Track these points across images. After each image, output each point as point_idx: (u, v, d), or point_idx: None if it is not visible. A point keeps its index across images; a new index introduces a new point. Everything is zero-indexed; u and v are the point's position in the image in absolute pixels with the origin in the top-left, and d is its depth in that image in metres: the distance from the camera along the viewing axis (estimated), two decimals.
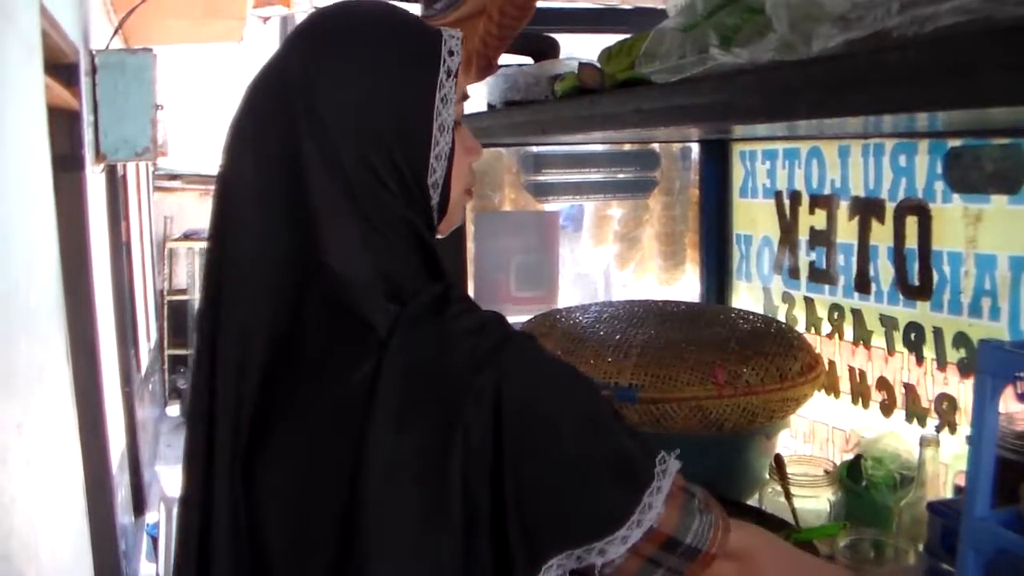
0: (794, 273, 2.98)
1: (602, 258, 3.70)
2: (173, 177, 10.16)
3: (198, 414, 1.32)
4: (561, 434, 1.25)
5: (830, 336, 2.82)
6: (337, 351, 1.24)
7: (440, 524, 1.19)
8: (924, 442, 2.06)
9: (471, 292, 3.26)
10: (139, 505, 4.28)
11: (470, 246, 3.29)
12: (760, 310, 3.09)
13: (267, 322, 1.26)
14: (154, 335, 6.91)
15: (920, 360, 2.49)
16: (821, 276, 2.85)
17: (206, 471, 1.30)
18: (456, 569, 1.20)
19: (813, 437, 2.94)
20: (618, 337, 2.34)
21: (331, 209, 1.23)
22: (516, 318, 2.64)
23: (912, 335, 2.51)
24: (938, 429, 2.41)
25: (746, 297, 3.25)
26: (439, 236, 1.37)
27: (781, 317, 3.00)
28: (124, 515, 3.69)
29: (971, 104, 1.05)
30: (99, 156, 4.46)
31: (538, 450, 1.23)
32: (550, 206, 3.57)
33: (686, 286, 3.58)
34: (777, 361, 2.26)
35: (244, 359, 1.27)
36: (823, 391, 2.80)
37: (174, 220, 10.38)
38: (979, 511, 1.52)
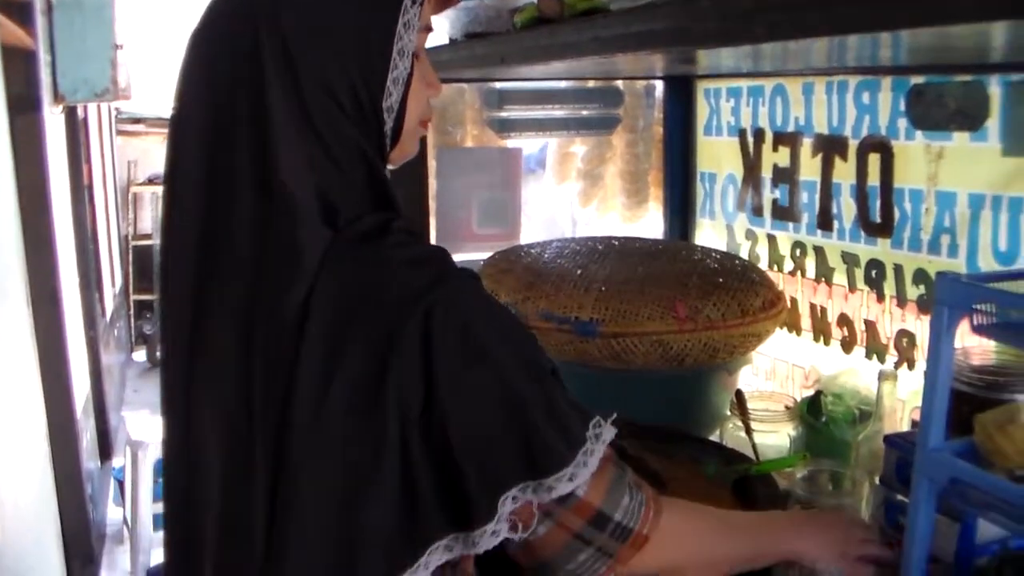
0: (757, 211, 2.98)
1: (565, 196, 3.68)
2: (136, 121, 9.99)
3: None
4: (500, 370, 1.20)
5: (792, 273, 2.82)
6: (273, 272, 1.20)
7: (372, 455, 1.15)
8: (882, 376, 2.07)
9: (432, 230, 3.25)
10: (105, 450, 4.24)
11: (432, 183, 3.26)
12: (723, 247, 3.08)
13: (205, 238, 1.24)
14: (119, 280, 6.84)
15: (880, 297, 2.50)
16: (784, 213, 2.85)
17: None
18: (392, 496, 1.17)
19: (774, 374, 2.95)
20: (579, 272, 2.33)
21: (284, 127, 1.19)
22: (478, 255, 2.63)
23: (873, 272, 2.51)
24: (897, 365, 2.42)
25: (710, 234, 3.24)
26: (392, 166, 1.34)
27: (744, 254, 2.99)
28: (90, 460, 3.66)
29: (931, 21, 1.03)
30: (57, 97, 4.37)
31: (477, 386, 1.19)
32: (513, 142, 3.54)
33: (649, 224, 3.56)
34: (739, 297, 2.25)
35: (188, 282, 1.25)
36: (784, 328, 2.80)
37: (138, 164, 10.22)
38: (933, 441, 1.53)
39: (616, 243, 2.61)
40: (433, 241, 3.08)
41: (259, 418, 1.19)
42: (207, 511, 1.26)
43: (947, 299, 1.48)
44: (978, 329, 1.47)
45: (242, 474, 1.21)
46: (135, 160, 10.35)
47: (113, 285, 6.15)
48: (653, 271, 2.33)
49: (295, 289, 1.17)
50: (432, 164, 3.28)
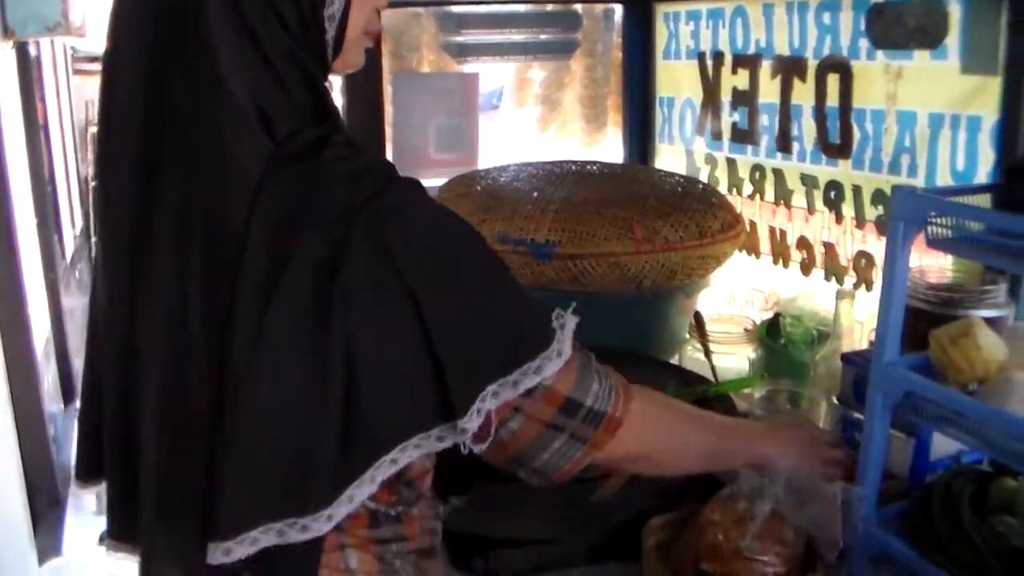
0: (716, 134, 2.96)
1: (524, 121, 3.65)
2: (93, 59, 9.81)
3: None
4: (457, 273, 1.18)
5: (751, 197, 2.81)
6: (214, 185, 1.16)
7: (318, 368, 1.12)
8: (839, 295, 2.07)
9: (389, 156, 3.20)
10: (68, 393, 4.19)
11: (388, 109, 3.21)
12: (683, 172, 3.06)
13: (147, 156, 1.20)
14: (79, 222, 6.73)
15: (839, 218, 2.49)
16: (743, 136, 2.83)
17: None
18: (340, 408, 1.13)
19: (734, 298, 2.95)
20: (536, 195, 2.30)
21: (223, 40, 1.15)
22: (436, 181, 2.60)
23: (832, 193, 2.50)
24: (856, 287, 2.42)
25: (669, 159, 3.22)
26: (335, 75, 1.30)
27: (703, 179, 2.98)
28: (52, 403, 3.62)
29: None
30: (7, 32, 4.27)
31: (438, 289, 1.16)
32: (470, 67, 3.49)
33: (609, 149, 3.54)
34: (696, 218, 2.24)
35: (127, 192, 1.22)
36: (744, 252, 2.80)
37: (95, 104, 10.05)
38: (888, 356, 1.53)
39: (574, 167, 2.58)
40: None
41: (201, 326, 1.16)
42: (146, 412, 1.23)
43: (903, 213, 1.47)
44: (933, 243, 1.47)
45: (184, 381, 1.18)
46: (92, 100, 10.17)
47: (73, 227, 6.05)
48: (611, 193, 2.30)
49: (235, 202, 1.13)
50: (388, 90, 3.24)
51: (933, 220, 1.44)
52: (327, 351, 1.12)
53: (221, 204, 1.15)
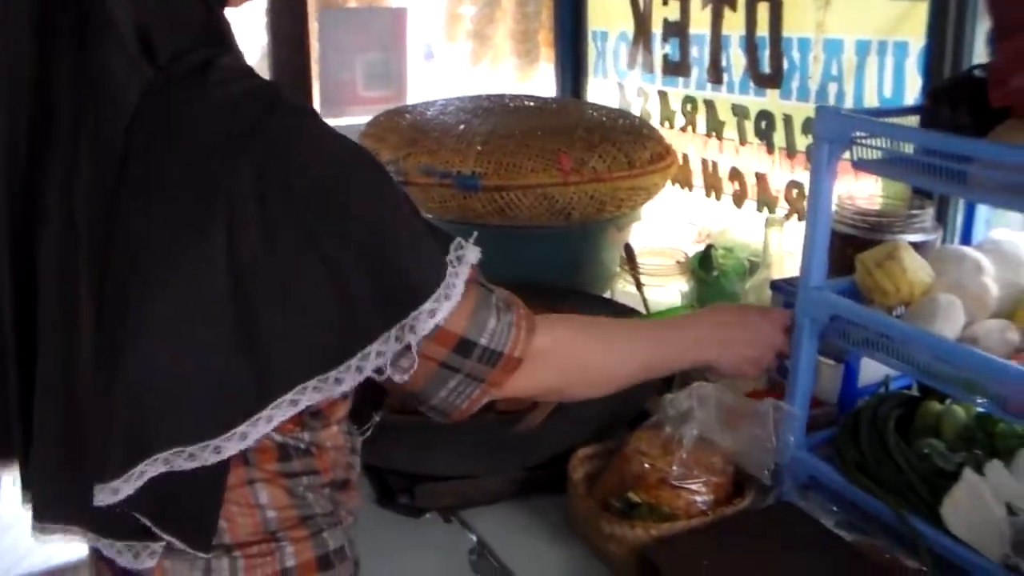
0: (648, 67, 2.92)
1: (455, 57, 3.59)
2: None
3: None
4: (347, 204, 1.10)
5: (684, 129, 2.78)
6: (93, 108, 1.10)
7: (199, 304, 1.06)
8: (768, 223, 2.05)
9: (316, 94, 3.12)
10: None
11: (314, 45, 3.13)
12: (615, 106, 3.02)
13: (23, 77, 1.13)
14: None
15: (771, 149, 2.48)
16: (675, 69, 2.80)
17: None
18: (231, 343, 1.07)
19: (667, 231, 2.92)
20: (463, 127, 2.26)
21: None
22: (365, 119, 2.54)
23: (763, 124, 2.49)
24: (787, 217, 2.40)
25: (602, 94, 3.18)
26: (233, 8, 1.24)
27: (636, 112, 2.94)
28: None
29: None
30: None
31: (326, 225, 1.08)
32: (398, 2, 3.42)
33: (541, 84, 3.49)
34: (625, 149, 2.21)
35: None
36: (676, 184, 2.78)
37: None
38: (814, 280, 1.51)
39: (503, 100, 2.54)
40: (317, 106, 2.98)
41: (88, 253, 1.10)
42: (44, 348, 1.16)
43: (827, 133, 1.45)
44: (859, 164, 1.45)
45: (76, 319, 1.13)
46: None
47: None
48: (538, 125, 2.26)
49: (113, 128, 1.08)
50: (314, 26, 3.15)
51: (858, 140, 1.42)
52: (211, 278, 1.05)
53: (101, 131, 1.08)
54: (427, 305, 1.12)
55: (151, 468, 1.08)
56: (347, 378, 1.10)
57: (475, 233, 1.21)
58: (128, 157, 1.06)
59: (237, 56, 1.18)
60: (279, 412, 1.09)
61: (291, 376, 1.09)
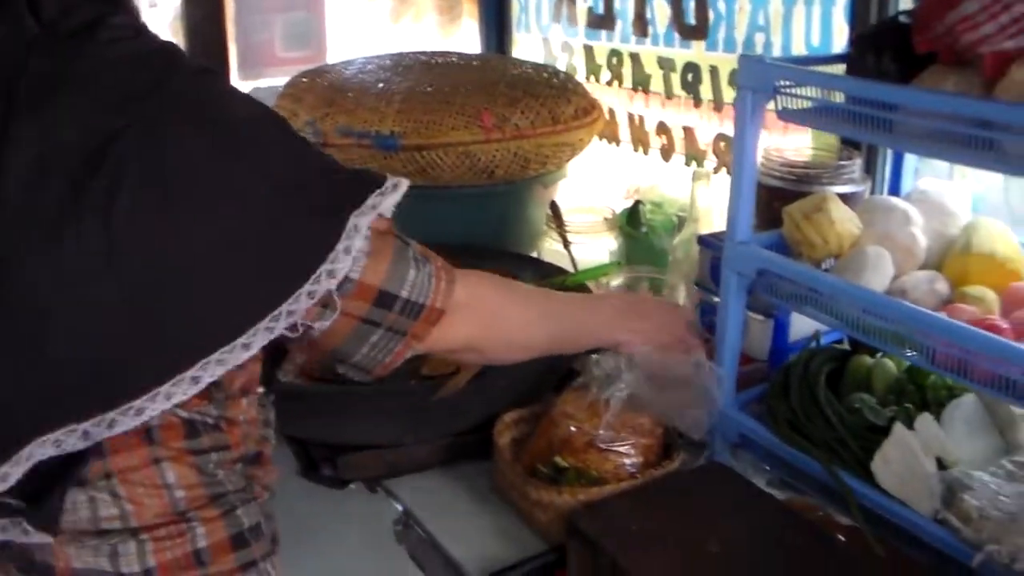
0: (572, 20, 2.86)
1: (375, 13, 3.50)
2: None
3: None
4: (250, 166, 1.05)
5: (609, 83, 2.73)
6: None
7: (78, 278, 0.99)
8: (695, 177, 2.01)
9: (232, 56, 3.02)
10: None
11: (229, 5, 3.03)
12: (540, 61, 2.97)
13: None
14: None
15: (697, 102, 2.43)
16: (599, 22, 2.74)
17: None
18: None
19: (595, 188, 2.88)
20: (381, 85, 2.20)
21: None
22: (284, 81, 2.46)
23: (689, 76, 2.44)
24: (716, 170, 2.37)
25: (527, 49, 3.12)
26: None
27: (561, 67, 2.89)
28: None
29: None
30: None
31: (225, 189, 1.03)
32: None
33: (465, 40, 3.41)
34: (549, 104, 2.16)
35: None
36: (604, 140, 2.73)
37: None
38: (740, 234, 1.48)
39: (423, 57, 2.47)
40: (234, 69, 2.89)
41: None
42: None
43: (750, 82, 1.41)
44: (783, 114, 1.41)
45: None
46: None
47: None
48: (459, 82, 2.21)
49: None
50: None
51: (782, 89, 1.38)
52: (98, 242, 0.99)
53: None
54: (326, 265, 1.07)
55: (40, 451, 1.02)
56: (256, 341, 1.06)
57: (394, 182, 1.16)
58: (10, 116, 1.00)
59: (132, 15, 1.12)
60: (179, 389, 1.04)
61: (192, 352, 1.04)
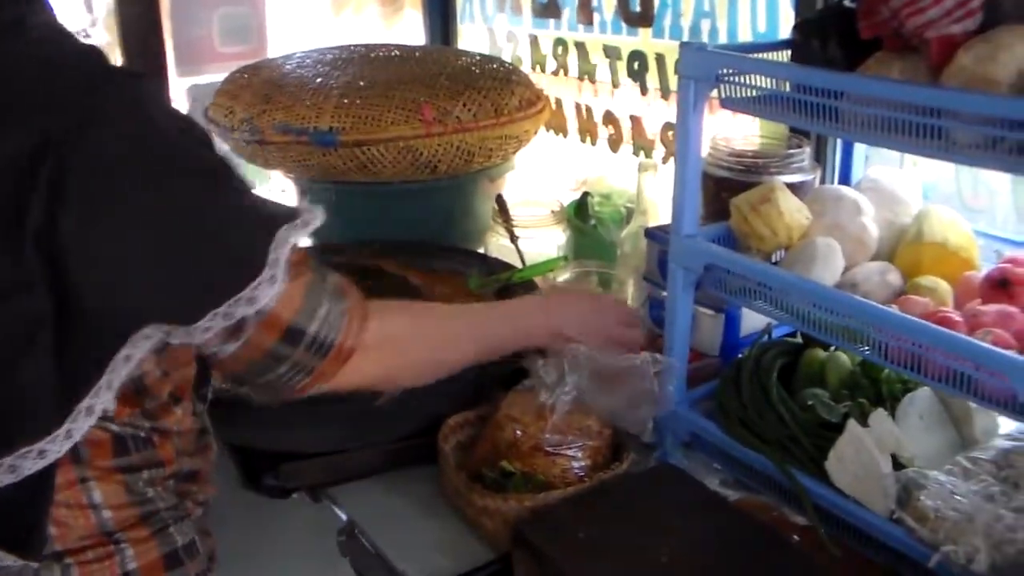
0: (517, 9, 2.81)
1: (316, 5, 3.43)
2: None
3: None
4: (169, 177, 1.01)
5: (556, 73, 2.68)
6: None
7: (20, 280, 0.96)
8: (641, 168, 1.97)
9: (170, 52, 2.94)
10: None
11: (164, 0, 2.96)
12: (486, 51, 2.92)
13: None
14: None
15: (644, 90, 2.39)
16: (544, 10, 2.69)
17: None
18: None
19: (545, 180, 2.83)
20: (319, 80, 2.14)
21: None
22: (222, 76, 2.39)
23: (636, 64, 2.39)
24: (664, 160, 2.33)
25: (472, 39, 3.06)
26: None
27: (507, 57, 2.84)
28: None
29: None
30: None
31: (146, 199, 1.00)
32: None
33: (409, 32, 3.35)
34: (492, 96, 2.10)
35: None
36: (551, 131, 2.68)
37: None
38: (686, 228, 1.43)
39: (363, 50, 2.41)
40: (172, 66, 2.81)
41: None
42: None
43: (692, 71, 1.36)
44: (727, 103, 1.37)
45: None
46: None
47: None
48: (399, 75, 2.15)
49: None
50: None
51: (725, 78, 1.34)
52: (25, 249, 0.95)
53: None
54: (247, 291, 1.03)
55: None
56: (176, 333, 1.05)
57: (316, 213, 1.12)
58: None
59: (50, 12, 1.08)
60: (99, 401, 1.00)
61: (122, 329, 1.02)
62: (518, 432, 1.44)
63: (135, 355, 1.02)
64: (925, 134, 1.09)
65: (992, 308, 1.23)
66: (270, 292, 1.05)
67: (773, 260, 1.48)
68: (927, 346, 1.14)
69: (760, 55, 1.43)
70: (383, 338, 1.22)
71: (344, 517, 1.56)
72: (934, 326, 1.15)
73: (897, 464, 1.26)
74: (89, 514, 1.12)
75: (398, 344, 1.28)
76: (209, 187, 1.05)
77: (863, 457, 1.25)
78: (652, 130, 2.38)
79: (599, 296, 1.60)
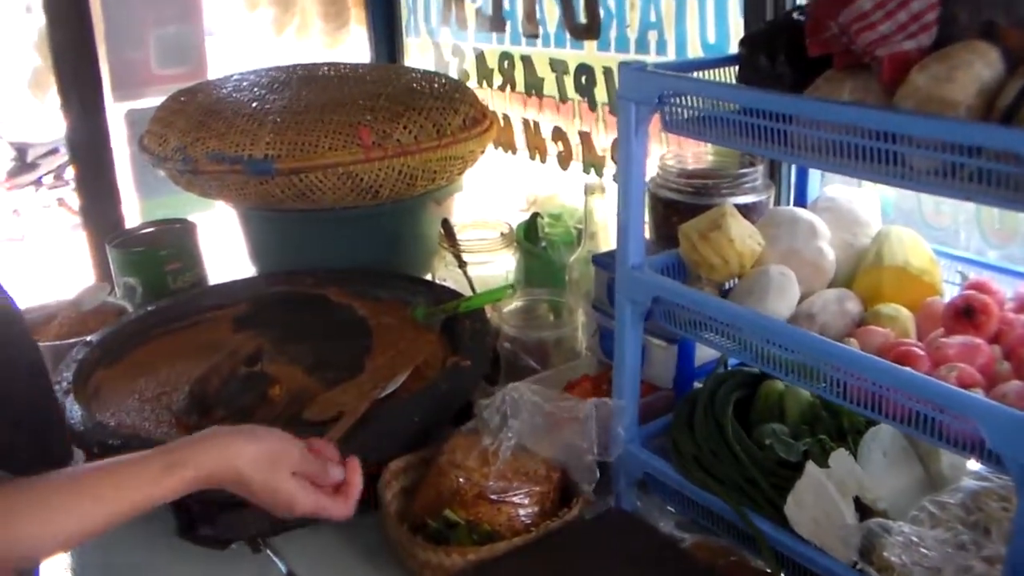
0: (462, 23, 2.73)
1: (257, 25, 3.33)
2: None
3: None
4: None
5: (502, 88, 2.61)
6: None
7: None
8: (588, 190, 1.88)
9: (105, 76, 2.84)
10: None
11: (98, 23, 2.86)
12: (432, 67, 2.84)
13: None
14: None
15: (592, 106, 2.32)
16: (488, 23, 2.62)
17: None
18: None
19: (495, 201, 2.75)
20: (255, 105, 2.05)
21: None
22: (160, 100, 2.30)
23: (583, 78, 2.33)
24: (615, 178, 2.25)
25: (419, 54, 2.99)
26: None
27: (453, 73, 2.76)
28: None
29: None
30: None
31: None
32: None
33: (355, 49, 3.26)
34: (433, 117, 2.02)
35: None
36: (500, 148, 2.61)
37: None
38: (632, 258, 1.36)
39: (302, 71, 2.33)
40: (107, 90, 2.70)
41: None
42: None
43: (632, 93, 1.29)
44: (669, 126, 1.29)
45: None
46: None
47: None
48: (338, 96, 2.07)
49: None
50: (97, 2, 2.88)
51: (667, 99, 1.26)
52: None
53: None
54: None
55: None
56: None
57: None
58: None
59: None
60: None
61: None
62: (461, 480, 1.36)
63: None
64: (881, 159, 1.01)
65: (957, 340, 1.15)
66: None
67: (726, 288, 1.41)
68: (887, 386, 1.07)
69: (706, 73, 1.36)
70: None
71: (284, 569, 1.49)
72: (895, 366, 1.07)
73: (860, 505, 1.19)
74: None
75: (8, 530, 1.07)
76: None
77: (824, 503, 1.18)
78: (602, 146, 2.31)
79: (272, 439, 1.23)
